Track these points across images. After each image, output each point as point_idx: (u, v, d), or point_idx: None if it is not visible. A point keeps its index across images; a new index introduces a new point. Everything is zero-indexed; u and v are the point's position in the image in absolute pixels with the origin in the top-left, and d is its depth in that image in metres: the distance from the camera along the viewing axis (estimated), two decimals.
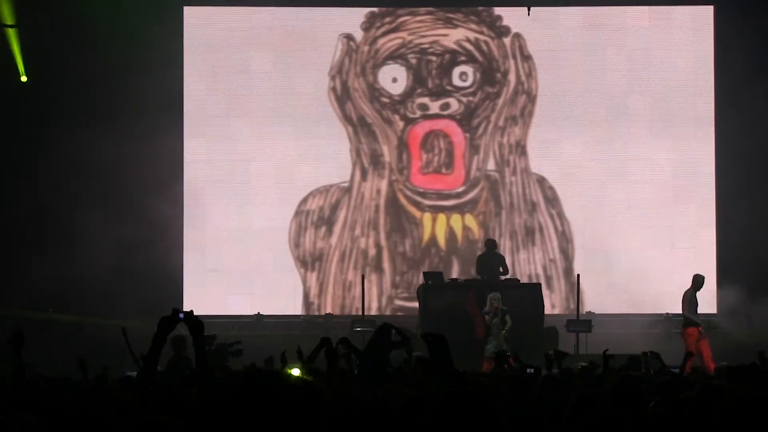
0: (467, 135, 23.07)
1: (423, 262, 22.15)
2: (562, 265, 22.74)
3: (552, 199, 23.13)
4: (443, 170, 22.71)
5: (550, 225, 22.95)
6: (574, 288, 21.21)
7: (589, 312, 20.85)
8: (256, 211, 22.48)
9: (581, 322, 18.97)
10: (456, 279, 19.56)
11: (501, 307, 16.99)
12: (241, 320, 21.20)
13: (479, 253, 20.23)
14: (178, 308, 5.69)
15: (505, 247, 22.20)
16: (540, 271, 21.86)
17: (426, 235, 22.70)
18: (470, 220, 22.83)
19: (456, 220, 22.78)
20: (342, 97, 23.00)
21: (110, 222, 20.87)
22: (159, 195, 21.31)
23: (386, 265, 22.53)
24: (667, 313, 21.52)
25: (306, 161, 22.34)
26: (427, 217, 22.77)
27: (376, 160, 22.95)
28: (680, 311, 18.12)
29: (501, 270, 19.12)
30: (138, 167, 21.34)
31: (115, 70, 21.45)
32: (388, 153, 23.06)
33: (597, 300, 21.39)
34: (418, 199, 22.82)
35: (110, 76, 21.51)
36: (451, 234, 22.67)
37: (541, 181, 23.15)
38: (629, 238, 22.38)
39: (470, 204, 22.83)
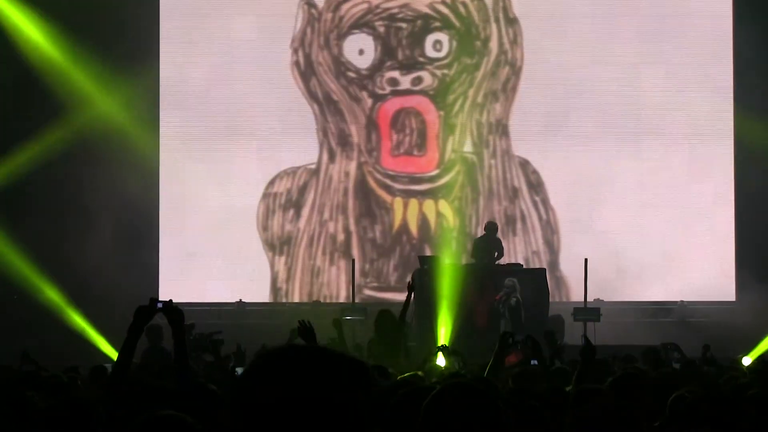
0: (441, 113, 21.71)
1: (393, 250, 21.23)
2: (546, 258, 21.46)
3: (536, 185, 21.69)
4: (415, 152, 21.54)
5: (533, 213, 21.59)
6: (560, 283, 20.83)
7: (597, 300, 19.64)
8: (236, 190, 21.61)
9: (589, 311, 18.25)
10: (454, 263, 18.53)
11: (516, 296, 16.21)
12: (222, 308, 20.38)
13: (479, 235, 19.26)
14: (156, 297, 5.61)
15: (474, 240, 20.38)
16: (521, 264, 20.15)
17: (397, 222, 21.62)
18: (444, 207, 21.56)
19: (429, 206, 21.56)
20: (306, 72, 21.80)
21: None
22: (133, 172, 20.58)
23: (355, 251, 21.47)
24: (682, 301, 20.60)
25: (286, 139, 21.47)
26: (398, 202, 21.67)
27: (344, 141, 21.78)
28: (696, 299, 17.88)
29: (496, 254, 18.30)
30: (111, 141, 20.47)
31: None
32: (356, 133, 21.85)
33: (604, 288, 20.10)
34: (389, 182, 21.70)
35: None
36: (423, 221, 21.52)
37: (525, 164, 21.72)
38: (639, 220, 21.16)
39: (445, 189, 21.60)
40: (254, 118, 21.45)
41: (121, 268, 19.70)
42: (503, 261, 18.43)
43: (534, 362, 8.35)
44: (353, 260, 19.52)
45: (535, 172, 21.66)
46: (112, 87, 20.72)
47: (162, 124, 21.61)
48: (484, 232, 18.65)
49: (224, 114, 21.44)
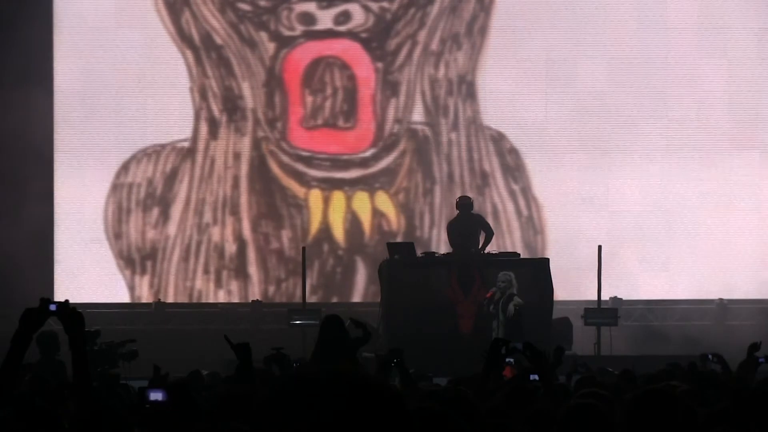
0: (379, 65, 20.20)
1: (310, 266, 19.42)
2: None
3: (514, 168, 20.33)
4: (340, 123, 20.19)
5: (510, 207, 20.25)
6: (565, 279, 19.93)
7: (614, 298, 19.34)
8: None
9: (604, 312, 18.09)
10: (433, 253, 18.04)
11: (512, 300, 16.08)
12: (135, 310, 19.96)
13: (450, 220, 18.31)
14: (49, 297, 5.56)
15: (440, 241, 19.48)
16: (517, 252, 18.83)
17: (314, 225, 20.15)
18: (384, 201, 20.13)
19: (361, 201, 20.15)
20: (175, 3, 20.16)
21: None
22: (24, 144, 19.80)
23: (253, 269, 20.04)
24: (721, 299, 19.91)
25: (146, 104, 20.00)
26: (315, 196, 20.20)
27: (233, 106, 20.15)
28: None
29: (482, 239, 17.55)
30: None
31: None
32: (251, 95, 20.27)
33: (621, 284, 19.75)
34: (301, 167, 20.15)
35: None
36: (353, 223, 20.17)
37: (499, 139, 20.33)
38: (664, 198, 20.32)
39: (384, 176, 20.24)
40: (99, 74, 20.12)
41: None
42: (494, 248, 17.89)
43: (534, 377, 7.86)
44: (303, 248, 18.74)
45: (513, 150, 20.31)
46: None
47: None
48: (457, 212, 17.72)
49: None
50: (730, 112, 20.24)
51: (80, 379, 5.55)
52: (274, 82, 19.90)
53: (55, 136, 19.69)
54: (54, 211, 19.83)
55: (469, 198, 18.04)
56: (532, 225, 19.97)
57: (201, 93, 19.95)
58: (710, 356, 11.19)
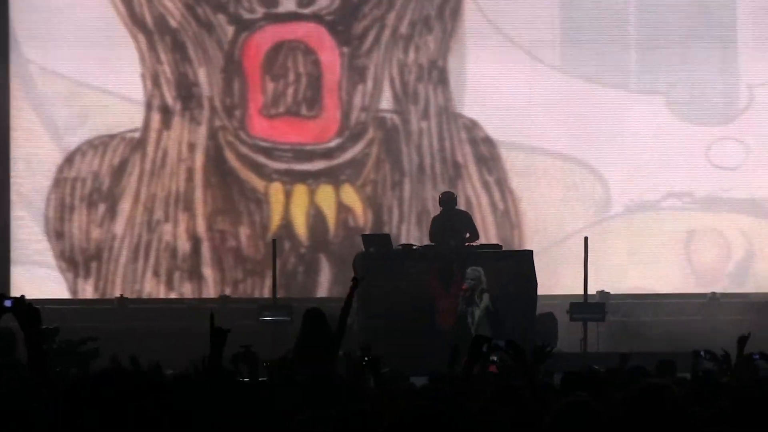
0: (345, 50, 19.91)
1: (269, 266, 18.96)
2: None
3: (489, 159, 19.98)
4: (303, 111, 19.87)
5: (484, 200, 19.90)
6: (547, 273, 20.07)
7: (602, 292, 19.18)
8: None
9: (590, 307, 18.15)
10: (410, 245, 17.84)
11: (483, 297, 16.09)
12: (97, 307, 19.49)
13: (434, 215, 18.32)
14: (3, 293, 5.69)
15: (409, 237, 19.31)
16: (499, 244, 18.65)
17: (275, 221, 19.74)
18: (350, 195, 19.90)
19: (325, 195, 19.85)
20: None
21: None
22: None
23: (207, 269, 19.64)
24: (713, 293, 19.65)
25: (92, 91, 19.59)
26: (276, 189, 19.82)
27: (188, 94, 19.79)
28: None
29: (468, 235, 17.72)
30: None
31: None
32: (207, 81, 19.85)
33: (608, 278, 19.74)
34: (261, 159, 19.81)
35: None
36: (317, 218, 19.83)
37: (472, 128, 20.00)
38: (655, 186, 20.06)
39: (350, 168, 19.97)
40: (40, 58, 19.75)
41: None
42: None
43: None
44: (274, 240, 18.65)
45: (487, 139, 19.93)
46: None
47: None
48: (440, 209, 17.81)
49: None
50: (726, 97, 19.82)
51: (36, 379, 5.61)
52: (232, 68, 19.35)
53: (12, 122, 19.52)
54: (10, 204, 19.61)
55: (453, 193, 17.84)
56: (509, 219, 19.53)
57: (153, 80, 19.37)
58: (702, 353, 10.95)
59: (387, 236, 17.63)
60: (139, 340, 16.59)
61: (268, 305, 17.90)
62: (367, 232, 18.87)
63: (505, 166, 19.65)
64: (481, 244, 17.50)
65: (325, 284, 19.08)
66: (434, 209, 19.18)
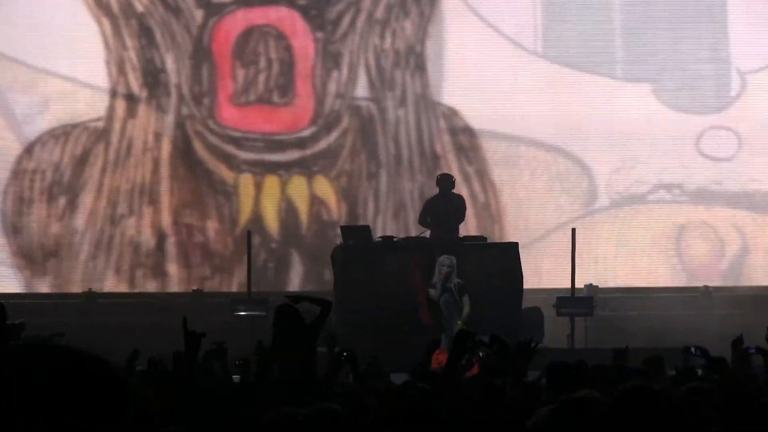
0: (319, 35, 19.76)
1: (239, 262, 18.84)
2: None
3: (469, 149, 19.78)
4: (275, 99, 19.70)
5: (464, 192, 19.35)
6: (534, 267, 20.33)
7: (590, 286, 19.11)
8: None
9: (578, 301, 17.98)
10: (391, 237, 17.65)
11: (456, 280, 16.04)
12: (63, 301, 19.18)
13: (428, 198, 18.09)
14: None
15: (385, 231, 19.04)
16: (483, 237, 18.56)
17: (245, 214, 19.49)
18: (324, 187, 19.71)
19: (298, 186, 19.62)
20: None
21: None
22: None
23: (173, 266, 19.40)
24: (706, 287, 19.48)
25: (53, 78, 19.28)
26: (246, 181, 19.60)
27: (154, 81, 19.60)
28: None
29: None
30: None
31: None
32: (175, 67, 19.67)
33: (597, 271, 19.68)
34: (231, 149, 19.57)
35: None
36: (289, 211, 19.58)
37: (451, 116, 19.82)
38: (644, 178, 19.80)
39: (324, 158, 19.76)
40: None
41: None
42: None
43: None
44: (249, 231, 18.40)
45: (467, 128, 19.74)
46: None
47: None
48: (437, 191, 17.63)
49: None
50: (717, 85, 19.41)
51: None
52: (201, 54, 19.05)
53: None
54: None
55: (451, 176, 17.57)
56: (489, 212, 19.16)
57: (118, 66, 19.04)
58: (693, 349, 10.86)
59: (367, 228, 17.26)
60: (108, 336, 16.36)
61: (243, 299, 17.62)
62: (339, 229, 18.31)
63: (486, 156, 19.32)
64: (465, 236, 17.22)
65: (296, 281, 18.72)
66: (412, 202, 19.23)
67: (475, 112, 19.30)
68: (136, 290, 19.06)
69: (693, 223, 19.47)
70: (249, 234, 17.80)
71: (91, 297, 18.99)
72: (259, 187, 19.08)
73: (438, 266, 16.23)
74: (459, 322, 15.89)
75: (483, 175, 19.25)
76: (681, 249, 19.54)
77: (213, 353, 9.39)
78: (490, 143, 19.32)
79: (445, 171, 19.03)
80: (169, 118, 19.11)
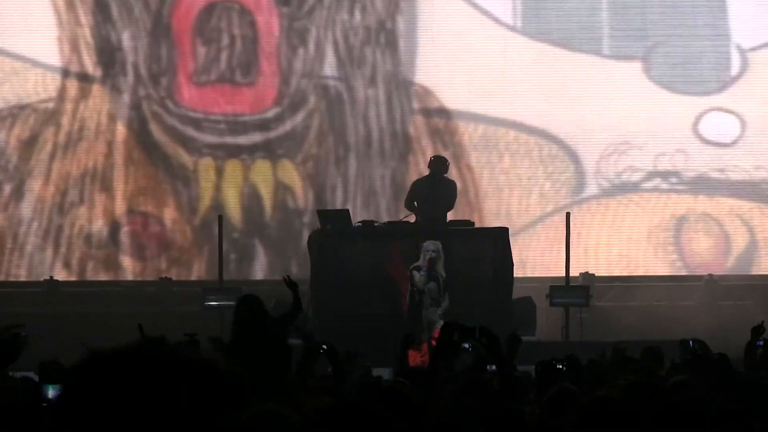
0: (284, 10, 19.31)
1: (199, 254, 18.48)
2: None
3: (443, 132, 19.30)
4: (238, 78, 19.29)
5: None
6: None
7: (586, 274, 18.65)
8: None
9: (573, 290, 17.47)
10: (371, 221, 17.03)
11: (443, 273, 15.71)
12: (23, 290, 18.81)
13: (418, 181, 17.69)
14: None
15: (355, 219, 18.26)
16: (471, 221, 18.01)
17: (205, 201, 18.99)
18: (289, 172, 19.20)
19: (262, 171, 19.18)
20: None
21: None
22: None
23: (126, 258, 18.93)
24: (710, 275, 18.91)
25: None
26: (206, 166, 19.11)
27: (109, 59, 19.08)
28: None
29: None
30: None
31: None
32: (132, 45, 19.19)
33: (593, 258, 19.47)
34: (190, 131, 19.10)
35: None
36: (252, 198, 19.11)
37: (424, 96, 19.36)
38: (635, 159, 19.13)
39: (289, 141, 19.21)
40: None
41: None
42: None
43: (491, 367, 8.13)
44: (220, 216, 17.99)
45: (442, 109, 19.26)
46: None
47: None
48: (428, 171, 17.16)
49: None
50: (716, 63, 18.67)
51: None
52: (160, 31, 18.45)
53: None
54: None
55: (446, 160, 17.02)
56: (467, 200, 18.52)
57: (71, 44, 18.38)
58: (691, 342, 10.99)
59: (346, 212, 16.69)
60: (71, 326, 16.18)
61: (214, 288, 17.14)
62: (307, 215, 18.29)
63: (463, 139, 18.66)
64: (451, 220, 16.67)
65: (260, 273, 18.17)
66: (383, 188, 18.76)
67: (450, 92, 18.59)
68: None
69: (694, 216, 18.71)
70: (220, 218, 17.36)
71: (52, 285, 18.41)
72: (220, 172, 18.55)
73: (423, 251, 15.62)
74: (440, 311, 15.49)
75: (459, 158, 18.55)
76: (681, 244, 18.79)
77: (185, 347, 9.34)
78: (467, 125, 18.61)
79: (418, 155, 18.70)
80: (125, 99, 18.59)
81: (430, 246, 15.59)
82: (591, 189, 18.53)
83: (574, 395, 5.76)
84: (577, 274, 18.07)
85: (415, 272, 15.71)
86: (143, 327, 9.82)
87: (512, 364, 8.98)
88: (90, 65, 18.49)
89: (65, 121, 18.41)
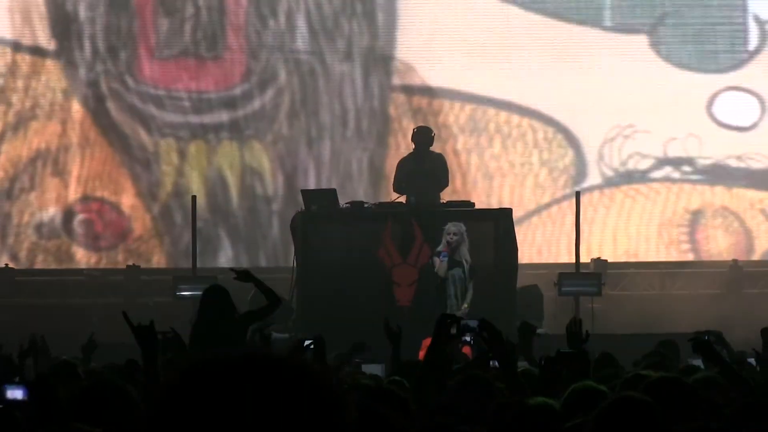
0: None
1: (160, 244, 18.06)
2: None
3: (426, 112, 18.60)
4: (203, 51, 18.66)
5: None
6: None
7: (598, 260, 17.73)
8: None
9: (584, 278, 16.62)
10: (361, 202, 16.09)
11: (465, 257, 14.91)
12: None
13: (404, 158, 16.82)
14: None
15: None
16: (471, 201, 17.19)
17: (166, 186, 18.43)
18: (257, 154, 18.56)
19: (228, 154, 18.56)
20: None
21: None
22: None
23: (79, 250, 18.29)
24: (735, 260, 18.01)
25: None
26: (168, 147, 18.52)
27: (64, 31, 18.55)
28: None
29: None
30: None
31: None
32: (88, 16, 18.56)
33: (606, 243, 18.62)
34: (151, 109, 18.57)
35: None
36: (218, 182, 18.55)
37: (405, 72, 18.83)
38: (642, 144, 18.26)
39: (258, 121, 18.64)
40: None
41: None
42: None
43: (494, 363, 7.86)
44: (194, 197, 16.98)
45: (425, 87, 18.72)
46: None
47: None
48: (412, 146, 16.32)
49: None
50: (731, 37, 17.67)
51: None
52: (119, 1, 17.91)
53: None
54: None
55: (431, 130, 16.20)
56: (453, 187, 17.55)
57: (23, 14, 18.09)
58: (707, 336, 9.73)
59: (333, 191, 15.90)
60: (29, 318, 15.55)
61: (187, 277, 16.42)
62: (278, 201, 17.62)
63: (448, 120, 18.12)
64: (449, 201, 15.94)
65: (225, 265, 17.00)
66: (359, 172, 17.92)
67: (433, 68, 18.03)
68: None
69: (710, 210, 17.66)
70: (194, 199, 16.54)
71: (8, 273, 17.53)
72: (182, 154, 18.20)
73: (444, 234, 14.86)
74: (465, 305, 14.76)
75: (445, 142, 17.81)
76: (696, 242, 17.79)
77: (167, 343, 9.14)
78: (453, 105, 18.14)
79: (399, 137, 17.92)
80: (81, 75, 18.21)
81: (452, 228, 14.83)
82: (593, 178, 17.86)
83: (596, 394, 5.62)
84: (588, 260, 17.19)
85: (435, 258, 14.97)
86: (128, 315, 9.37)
87: (532, 358, 8.63)
88: (43, 38, 18.19)
89: (15, 98, 18.14)
